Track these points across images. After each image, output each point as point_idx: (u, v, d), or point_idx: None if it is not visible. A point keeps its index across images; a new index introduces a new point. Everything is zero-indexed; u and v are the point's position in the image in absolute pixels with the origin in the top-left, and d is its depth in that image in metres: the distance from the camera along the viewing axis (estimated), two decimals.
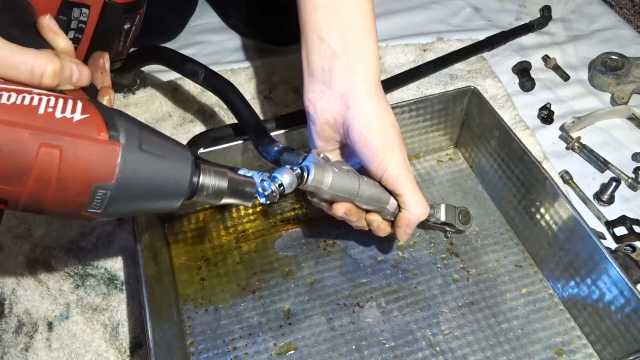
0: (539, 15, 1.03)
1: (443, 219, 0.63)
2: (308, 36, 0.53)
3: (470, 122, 0.74)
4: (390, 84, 0.86)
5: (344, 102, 0.53)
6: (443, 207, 0.63)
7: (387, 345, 0.59)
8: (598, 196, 0.73)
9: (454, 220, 0.64)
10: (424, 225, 0.67)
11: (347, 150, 0.57)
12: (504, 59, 0.95)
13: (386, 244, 0.67)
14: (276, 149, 0.56)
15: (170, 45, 0.96)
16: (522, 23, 1.01)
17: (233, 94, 0.63)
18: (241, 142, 0.66)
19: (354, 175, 0.53)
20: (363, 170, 0.55)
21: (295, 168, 0.49)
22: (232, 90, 0.64)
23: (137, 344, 0.60)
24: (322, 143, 0.56)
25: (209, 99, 0.87)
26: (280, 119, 0.75)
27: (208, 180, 0.41)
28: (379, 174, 0.53)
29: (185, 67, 0.66)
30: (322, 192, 0.50)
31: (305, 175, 0.49)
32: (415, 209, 0.54)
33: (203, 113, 0.86)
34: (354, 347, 0.59)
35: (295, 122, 0.68)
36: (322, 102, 0.53)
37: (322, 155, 0.53)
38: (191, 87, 0.89)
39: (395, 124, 0.53)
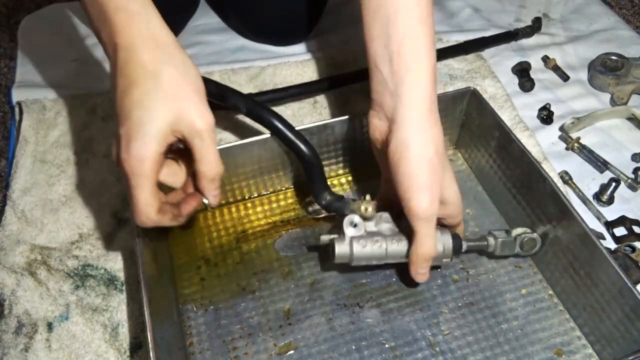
0: (537, 16, 1.03)
1: (498, 253, 0.63)
2: (368, 62, 0.56)
3: (470, 122, 0.74)
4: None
5: (388, 125, 0.55)
6: (500, 242, 0.62)
7: (386, 345, 0.59)
8: (597, 196, 0.73)
9: (511, 252, 0.63)
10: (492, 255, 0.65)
11: None
12: (503, 59, 0.95)
13: None
14: (328, 197, 0.64)
15: None
16: (520, 23, 1.02)
17: (284, 126, 0.65)
18: (240, 142, 0.66)
19: (383, 240, 0.58)
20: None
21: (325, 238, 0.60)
22: (281, 121, 0.65)
23: (137, 344, 0.60)
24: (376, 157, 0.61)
25: None
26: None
27: None
28: (401, 204, 0.54)
29: (226, 100, 0.67)
30: (350, 262, 0.59)
31: (330, 250, 0.58)
32: (420, 248, 0.55)
33: None
34: (353, 347, 0.59)
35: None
36: (374, 119, 0.57)
37: (354, 222, 0.58)
38: None
39: (432, 160, 0.52)
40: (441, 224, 0.61)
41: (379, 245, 0.58)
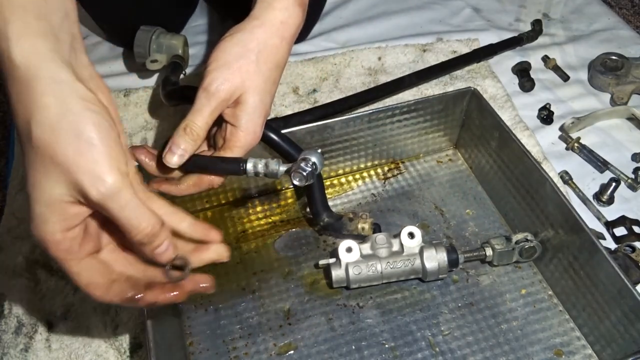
0: (537, 16, 1.03)
1: (496, 263, 0.64)
2: None
3: (470, 122, 0.74)
4: (373, 94, 0.85)
5: None
6: (497, 253, 0.62)
7: (386, 346, 0.59)
8: (597, 196, 0.73)
9: (510, 261, 0.64)
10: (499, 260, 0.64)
11: None
12: (503, 59, 0.95)
13: None
14: (327, 218, 0.64)
15: None
16: (520, 23, 1.02)
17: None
18: None
19: (378, 263, 0.60)
20: None
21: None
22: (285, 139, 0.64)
23: (137, 344, 0.60)
24: None
25: None
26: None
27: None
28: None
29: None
30: (348, 286, 0.61)
31: (328, 275, 0.61)
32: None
33: None
34: (353, 347, 0.59)
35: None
36: None
37: (350, 247, 0.60)
38: None
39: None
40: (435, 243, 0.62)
41: (374, 269, 0.60)
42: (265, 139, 0.60)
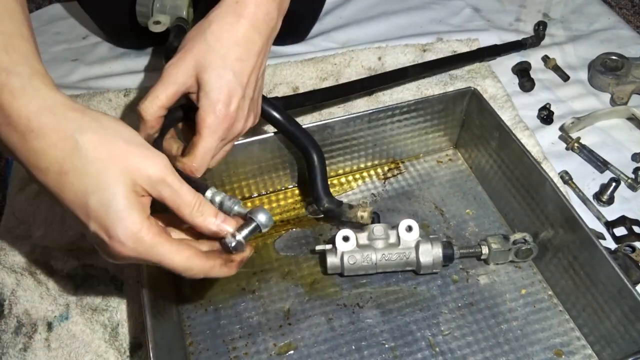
0: (537, 16, 1.03)
1: (491, 261, 0.64)
2: None
3: (470, 122, 0.74)
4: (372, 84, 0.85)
5: None
6: (493, 252, 0.63)
7: (386, 346, 0.59)
8: (597, 196, 0.73)
9: (505, 260, 0.64)
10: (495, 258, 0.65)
11: None
12: (503, 59, 0.95)
13: None
14: (327, 203, 0.64)
15: None
16: (520, 23, 1.02)
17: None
18: (240, 142, 0.66)
19: (373, 253, 0.61)
20: None
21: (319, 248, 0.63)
22: (289, 119, 0.66)
23: (137, 344, 0.60)
24: None
25: None
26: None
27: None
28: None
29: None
30: (342, 273, 0.62)
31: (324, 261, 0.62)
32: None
33: None
34: (353, 347, 0.59)
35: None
36: None
37: (346, 236, 0.61)
38: None
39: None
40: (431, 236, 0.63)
41: (369, 259, 0.61)
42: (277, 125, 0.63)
